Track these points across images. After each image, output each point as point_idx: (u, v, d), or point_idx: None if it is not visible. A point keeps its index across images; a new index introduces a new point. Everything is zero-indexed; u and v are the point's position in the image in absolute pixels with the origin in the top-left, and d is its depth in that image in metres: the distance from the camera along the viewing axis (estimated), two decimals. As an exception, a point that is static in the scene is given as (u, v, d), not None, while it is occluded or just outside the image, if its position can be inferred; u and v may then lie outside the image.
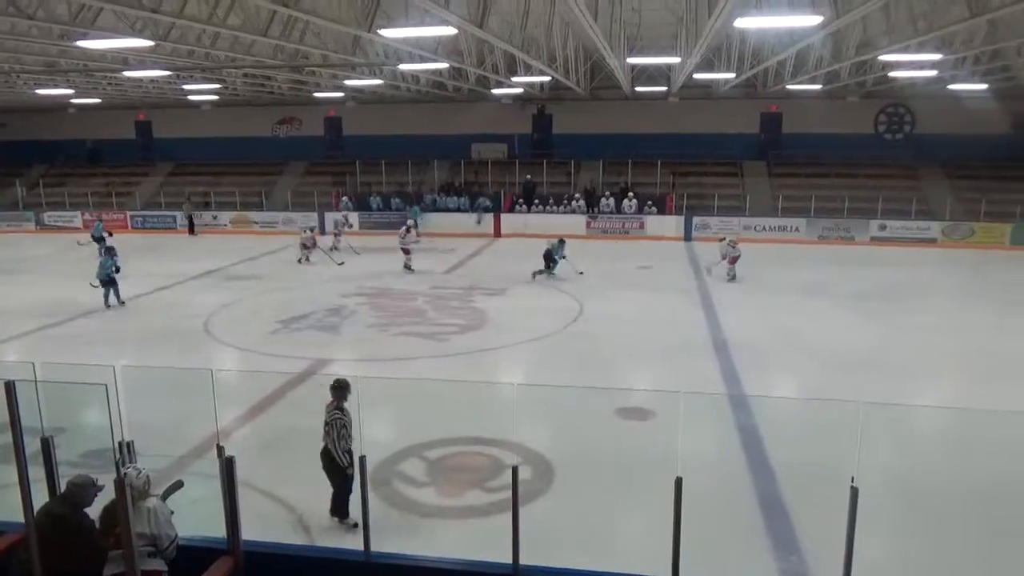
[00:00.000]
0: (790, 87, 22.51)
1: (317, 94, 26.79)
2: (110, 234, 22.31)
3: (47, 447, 4.91)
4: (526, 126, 31.41)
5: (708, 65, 19.70)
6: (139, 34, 12.81)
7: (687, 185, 28.10)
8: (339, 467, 6.66)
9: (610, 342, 13.32)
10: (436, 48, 16.56)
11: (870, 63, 18.38)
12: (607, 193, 27.80)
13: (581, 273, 18.72)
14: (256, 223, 29.02)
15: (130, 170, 33.46)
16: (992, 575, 6.14)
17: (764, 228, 25.62)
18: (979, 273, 20.30)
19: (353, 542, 5.13)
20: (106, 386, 4.33)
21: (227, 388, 10.44)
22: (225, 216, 29.40)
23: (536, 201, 28.12)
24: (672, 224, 26.37)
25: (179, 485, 5.07)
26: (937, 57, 15.40)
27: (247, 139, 32.58)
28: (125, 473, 4.38)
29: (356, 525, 6.66)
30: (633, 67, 21.54)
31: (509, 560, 4.80)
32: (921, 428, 9.42)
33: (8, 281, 19.06)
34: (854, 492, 4.19)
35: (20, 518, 4.50)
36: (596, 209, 27.28)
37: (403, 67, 18.27)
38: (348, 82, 22.10)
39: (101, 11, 11.65)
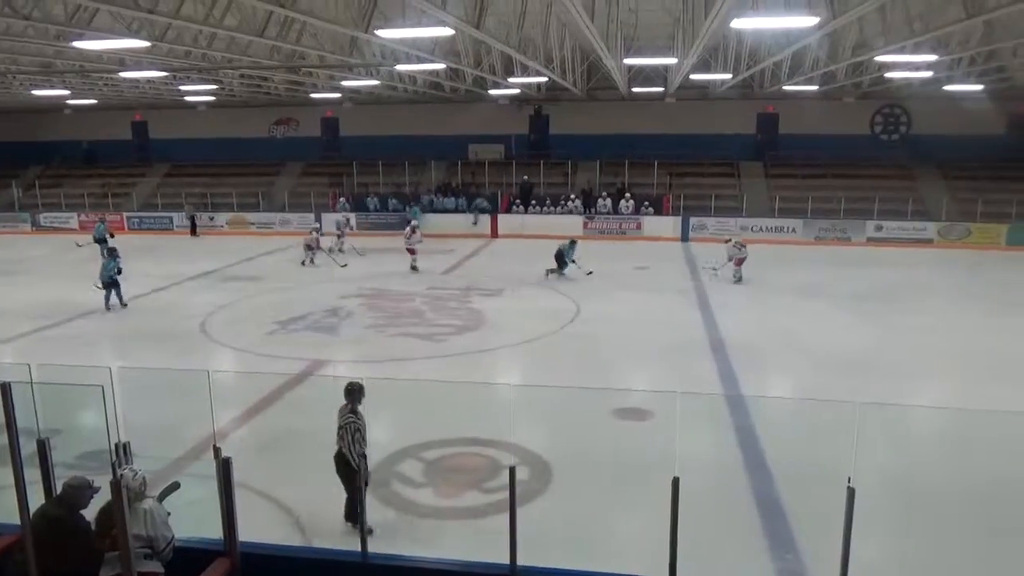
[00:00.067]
0: (786, 88, 22.55)
1: (314, 95, 26.78)
2: (112, 235, 22.21)
3: (43, 449, 4.89)
4: (523, 127, 31.42)
5: (705, 66, 19.73)
6: (135, 35, 12.79)
7: (684, 186, 28.14)
8: (355, 471, 6.51)
9: (607, 343, 13.33)
10: (433, 49, 16.56)
11: (866, 64, 18.43)
12: (604, 194, 27.83)
13: (590, 273, 18.69)
14: (253, 224, 28.99)
15: (126, 171, 33.40)
16: (988, 575, 6.15)
17: (761, 229, 25.65)
18: (976, 274, 20.34)
19: (350, 543, 5.12)
20: (102, 387, 4.32)
21: (224, 389, 10.42)
22: (222, 217, 29.35)
23: (533, 202, 28.13)
24: (669, 225, 26.40)
25: (176, 486, 5.05)
26: (933, 58, 15.44)
27: (244, 140, 32.56)
28: (121, 475, 4.37)
29: (371, 531, 6.62)
30: (630, 68, 21.57)
31: (506, 561, 4.80)
32: (918, 428, 9.43)
33: (4, 282, 19.02)
34: (850, 492, 4.19)
35: (16, 520, 4.49)
36: (593, 210, 27.30)
37: (400, 68, 18.27)
38: (345, 83, 22.09)
39: (97, 12, 11.60)
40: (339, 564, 5.21)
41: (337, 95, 27.49)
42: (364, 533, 5.08)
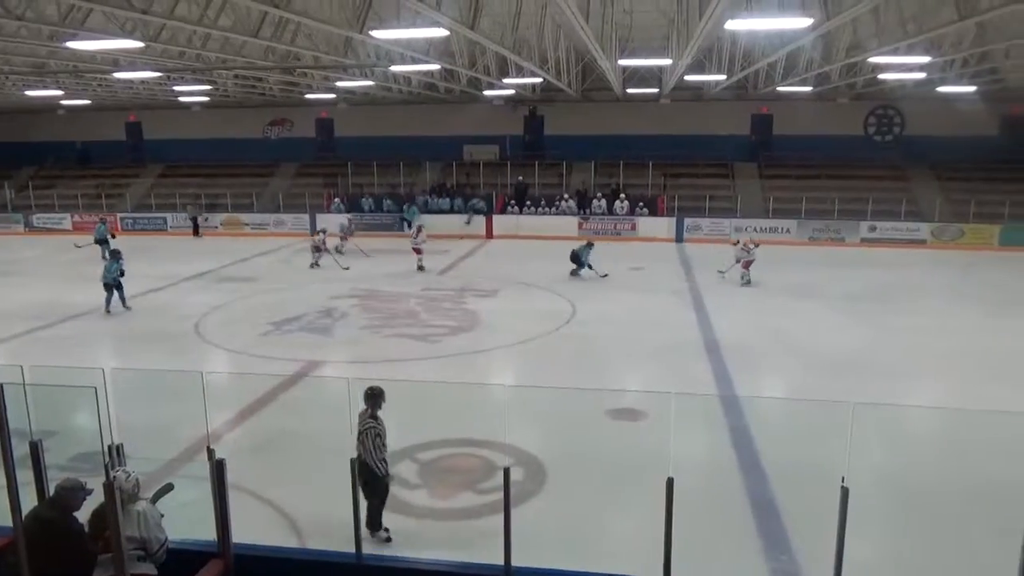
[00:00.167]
0: (781, 89, 22.60)
1: (308, 95, 26.74)
2: (113, 236, 22.09)
3: (36, 450, 4.87)
4: (518, 127, 31.43)
5: (699, 67, 19.74)
6: (129, 35, 12.74)
7: (678, 186, 28.18)
8: (377, 477, 6.48)
9: (602, 343, 13.35)
10: (428, 50, 16.55)
11: (860, 65, 18.48)
12: (599, 194, 27.85)
13: (605, 276, 18.64)
14: (247, 225, 28.92)
15: (120, 172, 33.29)
16: (982, 574, 6.17)
17: (755, 229, 25.63)
18: (969, 274, 20.43)
19: (344, 544, 5.11)
20: (95, 389, 4.31)
21: (218, 390, 10.41)
22: (216, 218, 29.26)
23: (528, 202, 28.13)
24: (664, 225, 26.44)
25: (169, 488, 5.04)
26: (926, 59, 15.48)
27: (238, 140, 32.48)
28: (114, 476, 4.36)
29: (389, 540, 6.59)
30: (624, 69, 21.56)
31: (501, 561, 4.80)
32: (911, 428, 9.46)
33: (-3, 283, 18.94)
34: (844, 492, 4.20)
35: (8, 522, 4.46)
36: (588, 210, 27.32)
37: (394, 68, 18.25)
38: (340, 83, 22.07)
39: (91, 12, 11.57)
40: (333, 565, 5.20)
41: (332, 96, 27.45)
42: (358, 532, 5.06)
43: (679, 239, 26.08)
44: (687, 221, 26.34)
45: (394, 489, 7.68)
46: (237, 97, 27.87)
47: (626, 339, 13.55)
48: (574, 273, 19.01)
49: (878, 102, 28.23)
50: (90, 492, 4.59)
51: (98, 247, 21.56)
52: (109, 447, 4.75)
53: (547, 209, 27.81)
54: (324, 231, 21.86)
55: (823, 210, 25.88)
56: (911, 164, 27.73)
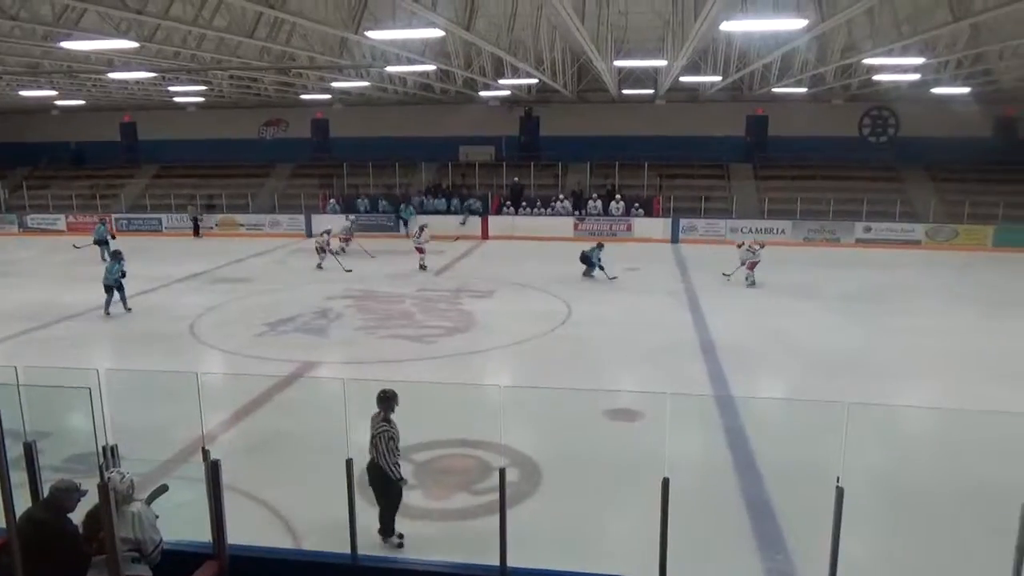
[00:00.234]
0: (776, 90, 22.66)
1: (304, 96, 26.72)
2: (113, 236, 21.97)
3: (30, 452, 4.86)
4: (513, 128, 31.44)
5: (694, 68, 19.79)
6: (124, 35, 12.71)
7: (674, 187, 28.23)
8: (391, 481, 6.40)
9: (598, 344, 13.35)
10: (423, 50, 16.54)
11: (855, 66, 18.54)
12: (594, 195, 27.88)
13: (614, 278, 18.59)
14: (242, 225, 28.86)
15: (115, 172, 33.21)
16: (975, 574, 6.19)
17: (750, 230, 25.69)
18: (964, 275, 20.50)
19: (340, 545, 5.10)
20: (90, 390, 4.29)
21: (213, 391, 10.38)
22: (211, 218, 29.19)
23: (524, 203, 28.15)
24: (659, 226, 26.48)
25: (164, 489, 5.03)
26: (920, 61, 15.53)
27: (233, 141, 32.42)
28: (109, 477, 4.34)
29: (401, 547, 6.52)
30: (620, 70, 21.62)
31: (496, 563, 4.80)
32: (906, 428, 9.48)
33: (-9, 284, 18.88)
34: (839, 492, 4.21)
35: (1, 524, 4.45)
36: (583, 211, 27.35)
37: (390, 69, 18.25)
38: (335, 84, 22.04)
39: (85, 12, 11.54)
40: (329, 566, 5.20)
41: (327, 96, 27.43)
42: (354, 533, 5.05)
43: (675, 240, 26.13)
44: (683, 222, 26.39)
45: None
46: (232, 98, 27.83)
47: (622, 340, 13.56)
48: (586, 274, 19.02)
49: (873, 103, 28.32)
50: (84, 493, 4.58)
51: (97, 248, 21.52)
52: (103, 448, 4.74)
53: (543, 210, 27.84)
54: (328, 232, 21.69)
55: (818, 211, 25.95)
56: (905, 165, 27.82)
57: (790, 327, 14.33)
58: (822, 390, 10.35)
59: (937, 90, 21.85)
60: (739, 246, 18.78)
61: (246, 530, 5.53)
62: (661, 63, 18.08)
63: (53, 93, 24.65)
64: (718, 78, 20.12)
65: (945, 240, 24.63)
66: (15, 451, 4.68)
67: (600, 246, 19.30)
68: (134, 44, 12.87)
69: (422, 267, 20.60)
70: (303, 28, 14.29)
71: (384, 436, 6.31)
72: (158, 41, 13.80)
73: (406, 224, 27.59)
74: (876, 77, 19.37)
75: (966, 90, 22.08)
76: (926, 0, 12.63)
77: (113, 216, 29.39)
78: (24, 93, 23.79)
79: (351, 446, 4.96)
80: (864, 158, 28.28)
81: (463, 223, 27.32)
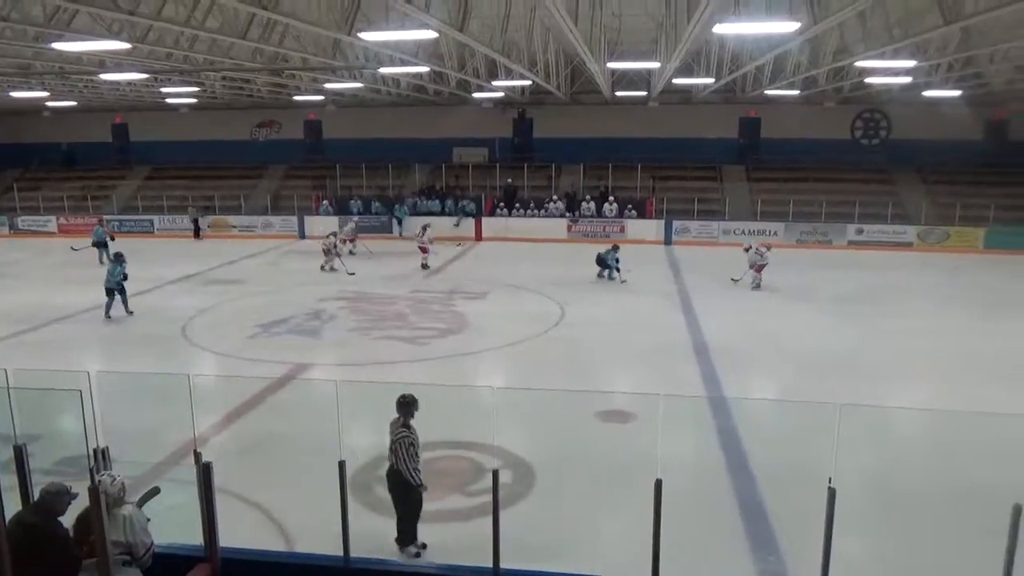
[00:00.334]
0: (768, 92, 22.73)
1: (297, 97, 26.65)
2: (112, 238, 21.79)
3: (20, 454, 4.84)
4: (507, 130, 31.46)
5: (687, 70, 19.83)
6: (116, 36, 12.67)
7: (667, 189, 28.30)
8: (411, 487, 6.29)
9: (591, 345, 13.36)
10: (416, 51, 16.53)
11: (847, 69, 18.62)
12: (587, 197, 27.91)
13: (624, 281, 18.54)
14: (235, 227, 28.78)
15: (106, 173, 33.07)
16: (966, 575, 6.22)
17: (743, 232, 25.78)
18: (956, 277, 20.59)
19: (333, 548, 5.09)
20: (80, 392, 4.28)
21: (205, 393, 10.34)
22: (204, 220, 29.06)
23: (517, 205, 28.16)
24: (652, 228, 26.52)
25: (155, 492, 5.02)
26: (912, 64, 15.61)
27: (226, 142, 32.34)
28: (99, 480, 4.33)
29: (419, 555, 6.41)
30: (613, 72, 21.65)
31: (489, 564, 4.80)
32: (898, 429, 9.52)
33: (-19, 286, 18.76)
34: (831, 493, 4.23)
35: (-8, 527, 4.43)
36: (577, 213, 27.37)
37: (383, 70, 18.24)
38: (328, 85, 22.02)
39: (77, 13, 11.50)
40: (322, 569, 5.19)
41: (320, 98, 27.38)
42: (346, 535, 5.04)
43: (668, 241, 26.16)
44: (676, 223, 26.44)
45: (383, 492, 7.67)
46: (225, 99, 27.76)
47: (615, 341, 13.57)
48: (600, 275, 19.02)
49: (865, 106, 28.45)
50: (75, 496, 4.55)
51: (95, 250, 21.39)
52: (94, 451, 4.72)
53: (536, 212, 27.86)
54: (335, 234, 21.51)
55: (810, 213, 26.03)
56: (897, 167, 27.95)
57: (783, 328, 14.38)
58: (814, 391, 10.37)
59: (928, 93, 21.95)
60: (746, 249, 18.52)
61: (238, 533, 5.51)
62: (654, 65, 18.12)
63: (44, 94, 24.53)
64: (711, 80, 20.18)
65: (937, 242, 24.74)
66: (5, 454, 4.67)
67: (616, 248, 19.28)
68: (126, 45, 12.82)
69: (424, 266, 20.71)
70: (296, 29, 14.27)
71: (404, 442, 6.20)
72: (150, 42, 13.77)
73: (400, 224, 27.58)
74: (868, 80, 19.46)
75: (957, 93, 22.20)
76: (917, 3, 12.69)
77: (104, 218, 29.23)
78: (15, 94, 23.67)
79: (344, 448, 4.95)
80: (856, 160, 28.39)
81: (457, 225, 27.29)
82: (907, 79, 18.91)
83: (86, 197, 30.81)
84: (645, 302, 16.81)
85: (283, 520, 7.05)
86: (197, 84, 22.66)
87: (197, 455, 4.77)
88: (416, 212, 28.03)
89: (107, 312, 14.93)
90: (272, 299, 17.19)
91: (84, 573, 4.43)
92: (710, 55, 19.20)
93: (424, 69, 18.17)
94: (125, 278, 15.06)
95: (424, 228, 21.42)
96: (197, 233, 28.25)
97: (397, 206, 28.05)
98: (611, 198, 27.42)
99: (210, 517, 4.79)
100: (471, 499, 7.45)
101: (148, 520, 4.60)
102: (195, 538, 4.88)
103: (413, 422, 6.30)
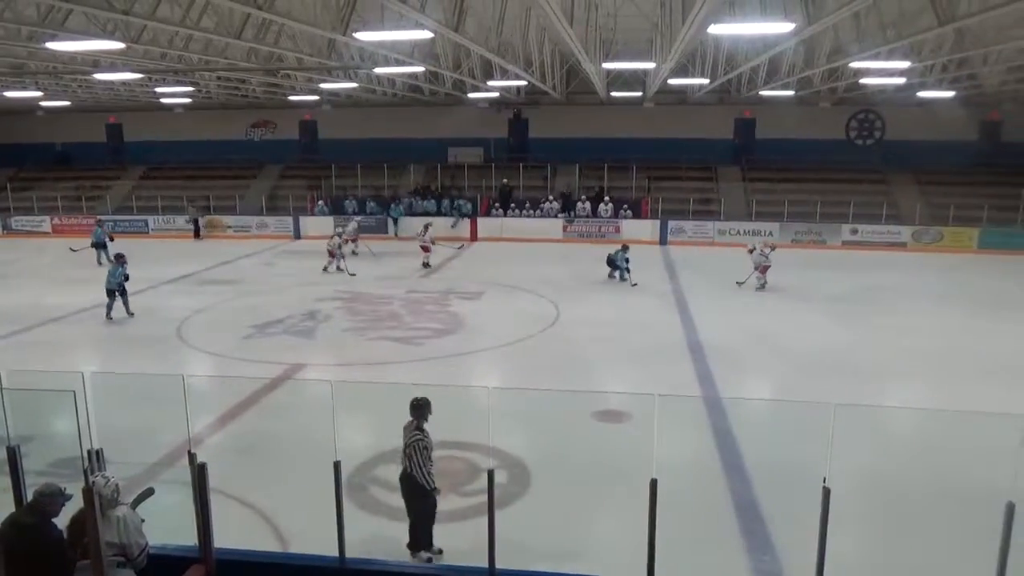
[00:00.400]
0: (763, 93, 22.77)
1: (292, 97, 26.61)
2: (111, 239, 21.68)
3: (13, 456, 4.82)
4: (502, 130, 31.46)
5: (683, 71, 19.87)
6: (110, 36, 12.63)
7: (662, 189, 28.32)
8: (425, 492, 6.18)
9: (586, 346, 13.36)
10: (412, 52, 16.53)
11: (841, 70, 18.66)
12: (583, 197, 27.93)
13: (635, 285, 18.34)
14: (230, 227, 28.71)
15: (101, 174, 32.95)
16: (960, 573, 6.23)
17: (738, 232, 25.86)
18: (950, 277, 20.65)
19: (328, 549, 5.08)
20: (74, 393, 4.26)
21: (200, 394, 10.33)
22: (202, 220, 29.00)
23: (512, 205, 28.17)
24: (648, 228, 26.53)
25: (150, 492, 5.00)
26: (906, 64, 15.66)
27: (221, 142, 32.27)
28: (93, 481, 4.31)
29: (441, 552, 6.31)
30: (609, 72, 21.65)
31: (485, 564, 4.79)
32: (893, 429, 9.55)
33: (-26, 286, 18.68)
34: (826, 492, 4.24)
35: (-15, 528, 4.41)
36: (572, 213, 27.39)
37: (378, 71, 18.21)
38: (323, 85, 21.98)
39: (71, 12, 11.46)
40: (317, 570, 5.18)
41: (315, 98, 27.34)
42: (341, 536, 5.03)
43: (663, 242, 26.19)
44: (671, 224, 26.46)
45: (378, 492, 7.67)
46: (220, 99, 27.71)
47: (610, 341, 13.58)
48: (611, 276, 18.94)
49: (859, 107, 28.53)
50: (69, 498, 4.54)
51: (94, 251, 21.29)
52: (88, 452, 4.71)
53: (531, 212, 27.87)
54: (340, 234, 21.33)
55: (805, 213, 26.09)
56: (891, 168, 28.04)
57: (778, 328, 14.40)
58: (809, 391, 10.41)
59: (923, 94, 22.03)
60: (751, 251, 18.41)
61: (233, 533, 5.50)
62: (649, 65, 18.13)
63: (38, 94, 24.45)
64: (706, 81, 20.21)
65: (930, 242, 24.82)
66: (-2, 455, 4.64)
67: (625, 248, 19.21)
68: (120, 45, 12.79)
69: (426, 265, 20.81)
70: (291, 29, 14.25)
71: (418, 445, 6.10)
72: (145, 42, 13.72)
73: (396, 224, 27.56)
74: (862, 81, 19.51)
75: (951, 94, 22.28)
76: (912, 4, 12.73)
77: (101, 218, 29.14)
78: (8, 94, 23.59)
79: (338, 449, 4.95)
80: (851, 161, 28.47)
81: (453, 226, 27.24)
82: (901, 80, 18.98)
83: (80, 197, 30.71)
84: (640, 302, 16.83)
85: (278, 521, 7.04)
86: (192, 84, 22.61)
87: (192, 456, 4.76)
88: (412, 212, 28.03)
89: (108, 313, 14.84)
90: (267, 299, 17.15)
91: (78, 574, 4.41)
92: (705, 56, 19.24)
93: (419, 69, 18.16)
94: (126, 279, 14.96)
95: (426, 227, 21.54)
96: (197, 233, 28.17)
97: (392, 206, 28.05)
98: (607, 198, 27.44)
99: (205, 518, 4.78)
100: (467, 499, 7.45)
101: (142, 521, 4.59)
102: (190, 539, 4.86)
103: (427, 425, 6.20)
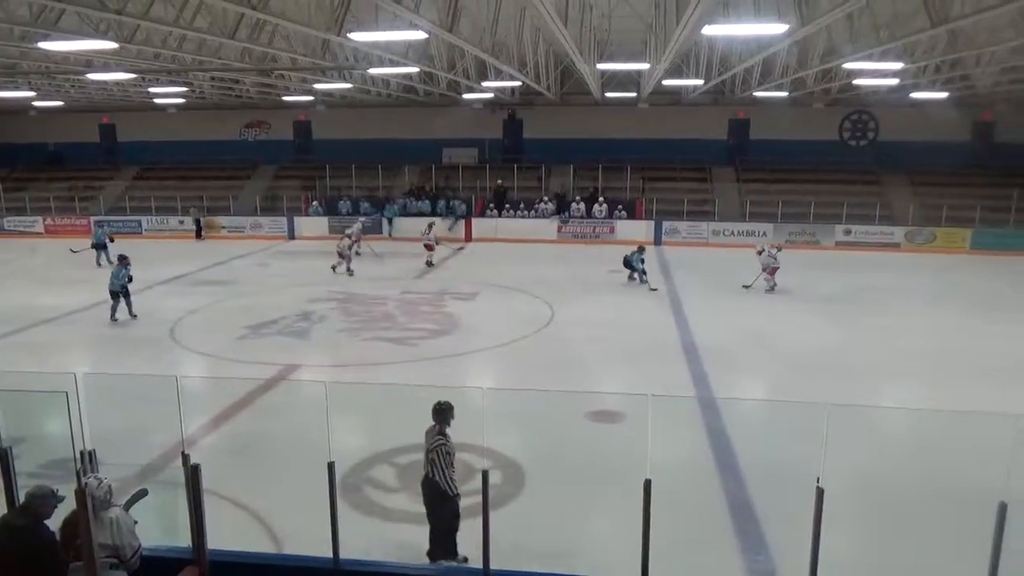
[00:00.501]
0: (757, 94, 22.83)
1: (286, 98, 26.57)
2: (111, 240, 21.56)
3: (5, 458, 4.80)
4: (497, 131, 31.46)
5: (677, 71, 19.91)
6: (103, 36, 12.59)
7: (657, 190, 28.36)
8: (447, 497, 6.06)
9: (581, 346, 13.37)
10: (406, 52, 16.52)
11: (835, 71, 18.72)
12: (577, 198, 27.94)
13: (654, 290, 17.98)
14: (224, 228, 28.64)
15: (94, 174, 32.81)
16: (953, 573, 6.26)
17: (732, 233, 25.94)
18: (943, 277, 20.73)
19: (322, 550, 5.07)
20: (66, 394, 4.25)
21: (194, 395, 10.31)
22: (191, 220, 28.90)
23: (507, 206, 28.17)
24: (642, 228, 26.51)
25: (143, 494, 4.99)
26: (899, 66, 15.72)
27: (215, 143, 32.18)
28: (86, 483, 4.30)
29: (466, 559, 6.11)
30: (603, 73, 21.69)
31: (480, 565, 4.79)
32: (887, 429, 9.58)
33: (-34, 287, 18.58)
34: (819, 492, 4.25)
35: (-23, 531, 4.39)
36: (567, 213, 27.40)
37: (373, 71, 18.20)
38: (318, 86, 21.95)
39: (64, 12, 11.42)
40: (311, 571, 5.17)
41: (310, 98, 27.29)
42: (335, 536, 5.02)
43: (657, 242, 26.20)
44: (665, 224, 26.50)
45: (372, 493, 7.66)
46: (213, 99, 27.64)
47: (604, 341, 13.59)
48: (631, 278, 18.77)
49: (853, 108, 28.62)
50: (61, 499, 4.52)
51: (94, 252, 21.18)
52: (81, 453, 4.69)
53: (526, 212, 27.88)
54: (350, 236, 21.18)
55: (799, 213, 26.16)
56: (885, 169, 28.12)
57: (772, 329, 14.44)
58: (803, 391, 10.43)
59: (916, 95, 22.12)
60: (759, 252, 18.17)
61: (226, 535, 5.49)
62: (644, 66, 18.16)
63: (31, 94, 24.35)
64: (700, 81, 20.25)
65: (923, 243, 24.92)
66: (-10, 457, 4.62)
67: (641, 249, 19.05)
68: (113, 45, 12.74)
69: (429, 264, 20.88)
70: (285, 29, 14.22)
71: (441, 450, 6.00)
72: (138, 42, 13.69)
73: (391, 224, 27.52)
74: (856, 82, 19.58)
75: (944, 95, 22.37)
76: (905, 6, 12.78)
77: (92, 219, 29.03)
78: (0, 94, 23.48)
79: (332, 450, 4.94)
80: (844, 161, 28.56)
81: (450, 229, 27.16)
82: (894, 81, 19.05)
83: (73, 198, 30.58)
84: (635, 303, 16.85)
85: (272, 522, 7.02)
86: (185, 84, 22.56)
87: (185, 457, 4.75)
88: (406, 213, 28.01)
89: (113, 315, 14.73)
90: (261, 300, 17.12)
91: (71, 576, 4.40)
92: (699, 56, 19.28)
93: (414, 70, 18.16)
94: (130, 280, 14.86)
95: (430, 226, 21.62)
96: (199, 234, 28.07)
97: (387, 206, 28.02)
98: (601, 199, 27.45)
99: (198, 519, 4.76)
100: (462, 500, 7.42)
101: (135, 523, 4.58)
102: (183, 540, 4.85)
103: (449, 430, 6.11)
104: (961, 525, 6.82)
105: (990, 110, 27.22)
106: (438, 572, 5.98)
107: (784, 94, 22.83)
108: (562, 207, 27.70)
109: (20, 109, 30.86)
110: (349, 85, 21.63)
